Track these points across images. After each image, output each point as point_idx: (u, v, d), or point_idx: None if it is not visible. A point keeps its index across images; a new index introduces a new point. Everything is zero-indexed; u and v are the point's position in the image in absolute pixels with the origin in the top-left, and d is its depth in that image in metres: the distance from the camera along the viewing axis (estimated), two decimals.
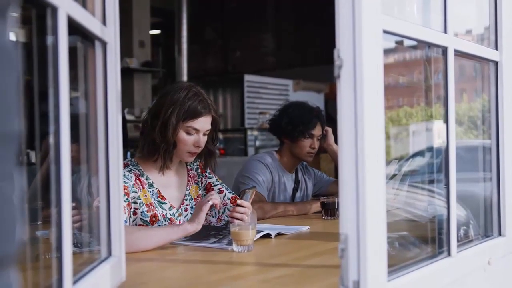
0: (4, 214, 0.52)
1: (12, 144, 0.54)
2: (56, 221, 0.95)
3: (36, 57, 1.06)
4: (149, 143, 2.08)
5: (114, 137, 1.30)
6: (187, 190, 2.21)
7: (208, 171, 2.29)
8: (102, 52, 1.27)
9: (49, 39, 0.95)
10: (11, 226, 0.53)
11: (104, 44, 1.27)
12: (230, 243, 1.83)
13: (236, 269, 1.60)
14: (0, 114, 0.53)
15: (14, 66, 0.55)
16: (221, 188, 2.26)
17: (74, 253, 1.00)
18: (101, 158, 1.28)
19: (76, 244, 1.23)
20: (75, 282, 1.02)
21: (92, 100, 1.28)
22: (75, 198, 1.03)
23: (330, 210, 2.54)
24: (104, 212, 1.29)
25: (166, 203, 2.11)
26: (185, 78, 7.31)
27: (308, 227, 2.27)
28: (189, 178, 2.24)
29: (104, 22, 1.27)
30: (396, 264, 1.27)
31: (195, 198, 2.22)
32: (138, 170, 2.10)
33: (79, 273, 1.10)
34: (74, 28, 1.04)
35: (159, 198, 2.10)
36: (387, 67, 1.18)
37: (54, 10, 0.93)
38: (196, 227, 1.83)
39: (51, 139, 0.94)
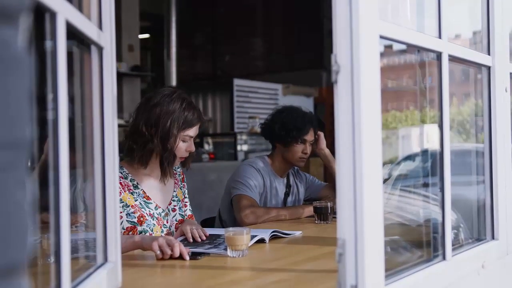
0: (16, 221, 0.52)
1: (24, 151, 0.54)
2: (54, 227, 0.94)
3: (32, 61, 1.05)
4: (147, 152, 2.10)
5: (110, 142, 1.29)
6: (174, 191, 2.28)
7: (185, 182, 2.39)
8: (98, 57, 1.27)
9: (47, 44, 0.95)
10: (22, 234, 0.53)
11: (100, 49, 1.27)
12: (226, 249, 1.82)
13: (231, 274, 1.60)
14: (12, 121, 0.52)
15: (26, 73, 0.55)
16: (187, 202, 2.36)
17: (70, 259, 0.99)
18: (97, 163, 1.27)
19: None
20: None
21: (88, 105, 1.27)
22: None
23: (323, 215, 2.55)
24: (100, 218, 1.28)
25: (151, 203, 2.16)
26: (174, 82, 7.29)
27: (301, 232, 2.27)
28: (175, 181, 2.32)
29: (100, 27, 1.27)
30: (393, 268, 1.27)
31: (181, 200, 2.31)
32: (122, 173, 2.13)
33: (75, 279, 1.09)
34: (71, 32, 1.04)
35: (144, 199, 2.15)
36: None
37: (53, 15, 0.93)
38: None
39: (50, 144, 0.93)
